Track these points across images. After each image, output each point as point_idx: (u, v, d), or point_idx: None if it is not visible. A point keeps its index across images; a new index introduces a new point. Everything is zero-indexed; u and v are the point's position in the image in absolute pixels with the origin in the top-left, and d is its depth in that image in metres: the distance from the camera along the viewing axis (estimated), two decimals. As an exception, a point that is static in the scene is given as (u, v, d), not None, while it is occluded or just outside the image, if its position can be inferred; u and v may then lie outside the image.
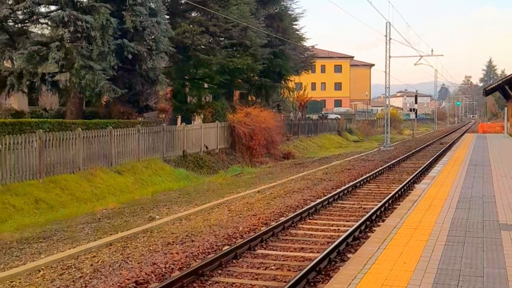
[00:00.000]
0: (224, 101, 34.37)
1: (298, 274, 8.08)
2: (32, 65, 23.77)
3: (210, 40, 32.47)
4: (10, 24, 24.84)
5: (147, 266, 8.94)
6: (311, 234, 11.51)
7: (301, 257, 9.58)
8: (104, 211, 14.73)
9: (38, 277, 8.50)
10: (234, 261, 9.36)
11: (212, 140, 29.04)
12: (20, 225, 12.92)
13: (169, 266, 8.85)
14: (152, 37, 25.96)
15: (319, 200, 14.99)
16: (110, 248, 10.31)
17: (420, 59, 49.38)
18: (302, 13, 51.90)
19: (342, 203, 15.38)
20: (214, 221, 12.81)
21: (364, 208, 14.35)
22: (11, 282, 8.22)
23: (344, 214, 13.80)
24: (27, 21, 25.28)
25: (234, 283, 8.22)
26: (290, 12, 41.08)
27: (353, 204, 15.16)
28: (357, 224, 11.55)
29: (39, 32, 26.63)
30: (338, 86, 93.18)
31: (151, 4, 26.08)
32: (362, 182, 19.23)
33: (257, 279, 8.42)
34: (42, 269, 8.91)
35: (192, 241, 10.77)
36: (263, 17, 36.28)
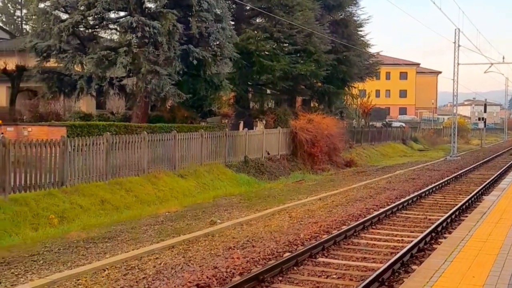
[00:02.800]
0: (286, 107, 34.31)
1: (361, 284, 7.91)
2: (101, 69, 24.46)
3: (274, 46, 32.50)
4: (81, 29, 25.69)
5: (209, 269, 8.97)
6: (374, 244, 11.27)
7: (363, 267, 9.39)
8: (167, 213, 14.93)
9: (103, 276, 8.67)
10: (295, 268, 9.27)
11: (273, 146, 29.02)
12: (86, 225, 13.26)
13: (230, 271, 8.85)
14: (217, 43, 26.24)
15: (382, 210, 14.68)
16: (172, 251, 10.42)
17: (490, 66, 47.76)
18: (368, 19, 51.41)
19: (406, 213, 15.00)
20: (275, 227, 12.75)
21: (430, 219, 13.94)
22: (77, 280, 8.41)
23: (408, 225, 13.44)
24: (97, 26, 26.09)
25: (295, 290, 8.13)
26: (355, 18, 40.70)
27: (418, 215, 14.76)
28: (422, 235, 11.22)
29: (108, 37, 27.46)
30: (403, 94, 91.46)
31: (217, 10, 26.37)
32: (427, 192, 18.72)
33: (318, 287, 8.29)
34: (107, 268, 9.08)
35: (253, 246, 10.74)
36: (328, 23, 36.04)
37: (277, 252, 10.23)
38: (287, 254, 9.94)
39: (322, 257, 10.09)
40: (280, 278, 8.69)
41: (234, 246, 10.76)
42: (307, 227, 12.78)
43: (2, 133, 21.16)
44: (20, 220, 13.31)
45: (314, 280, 8.63)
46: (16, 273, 8.77)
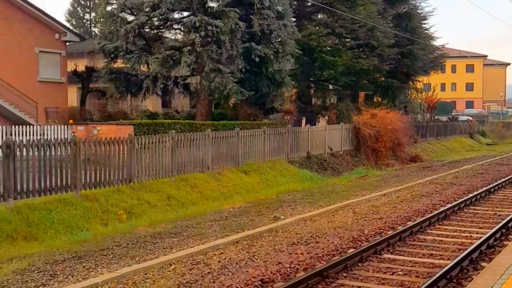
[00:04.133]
0: (349, 103, 33.98)
1: (427, 281, 7.78)
2: (165, 68, 25.01)
3: (335, 42, 32.31)
4: (147, 30, 26.36)
5: (273, 265, 9.04)
6: (441, 240, 11.03)
7: (430, 264, 9.22)
8: (231, 209, 15.11)
9: (169, 271, 8.89)
10: (359, 264, 9.21)
11: (336, 141, 28.83)
12: (153, 220, 13.60)
13: (294, 266, 8.89)
14: (279, 39, 26.31)
15: (449, 205, 14.35)
16: (236, 246, 10.55)
17: None
18: (432, 11, 50.27)
19: (474, 209, 14.60)
20: (338, 223, 12.69)
21: (499, 215, 13.51)
22: (145, 274, 8.66)
23: (477, 221, 13.08)
24: (161, 27, 26.71)
25: (360, 287, 8.08)
26: (419, 11, 39.85)
27: (487, 211, 14.34)
28: (491, 231, 10.90)
29: (173, 37, 28.05)
30: (469, 87, 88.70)
31: (278, 7, 26.44)
32: (496, 187, 18.14)
33: (383, 284, 8.21)
34: (173, 263, 9.30)
35: (317, 242, 10.74)
36: (391, 16, 35.41)
37: (341, 248, 10.19)
38: (351, 250, 9.89)
39: (387, 254, 9.97)
40: (345, 274, 8.66)
41: (297, 242, 10.80)
42: (371, 223, 12.66)
43: (73, 132, 22.02)
44: (90, 215, 13.80)
45: (379, 276, 8.55)
46: (87, 267, 9.11)
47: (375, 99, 38.87)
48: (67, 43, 31.34)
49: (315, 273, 8.26)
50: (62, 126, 24.48)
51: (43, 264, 9.31)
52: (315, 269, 8.54)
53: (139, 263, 9.30)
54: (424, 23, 40.24)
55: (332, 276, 8.42)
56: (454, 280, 8.19)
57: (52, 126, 24.45)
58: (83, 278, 8.39)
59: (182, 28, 26.25)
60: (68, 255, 9.97)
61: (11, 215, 12.37)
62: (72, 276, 8.56)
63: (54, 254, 10.11)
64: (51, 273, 8.75)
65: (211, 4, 25.20)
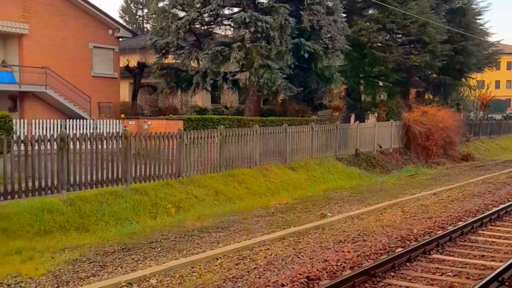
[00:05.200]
0: (399, 100, 33.45)
1: (478, 283, 7.60)
2: (215, 64, 25.21)
3: (386, 37, 31.84)
4: (197, 26, 26.60)
5: (319, 262, 9.00)
6: (493, 242, 10.75)
7: (481, 265, 9.00)
8: (277, 205, 15.13)
9: (216, 265, 8.97)
10: (407, 264, 9.07)
11: (385, 139, 28.44)
12: (201, 214, 13.75)
13: (340, 264, 8.83)
14: (329, 35, 26.11)
15: (502, 206, 13.96)
16: (283, 242, 10.56)
17: None
18: (487, 6, 48.78)
19: (528, 211, 14.15)
20: (386, 222, 12.53)
21: (555, 218, 13.07)
22: (192, 267, 8.76)
23: (531, 223, 12.68)
24: (212, 23, 26.90)
25: (407, 287, 7.96)
26: (473, 6, 38.83)
27: (542, 213, 13.88)
28: (546, 234, 10.56)
29: (222, 33, 28.24)
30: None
31: (329, 2, 26.27)
32: (553, 189, 17.56)
33: (432, 284, 8.06)
34: (219, 257, 9.38)
35: (364, 240, 10.64)
36: (444, 12, 34.65)
37: (389, 247, 10.06)
38: (399, 249, 9.74)
39: (436, 254, 9.79)
40: (392, 274, 8.54)
41: (344, 240, 10.72)
42: (420, 222, 12.45)
43: (125, 127, 22.46)
44: (140, 209, 14.05)
45: (428, 277, 8.40)
46: (136, 259, 9.28)
47: (426, 96, 38.19)
48: (120, 39, 31.99)
49: (362, 271, 8.19)
50: (114, 121, 25.01)
51: (93, 255, 9.55)
52: (362, 267, 8.46)
53: (186, 256, 9.42)
54: (479, 19, 39.21)
55: (379, 275, 8.32)
56: (507, 283, 7.97)
57: (105, 120, 25.02)
58: (132, 270, 8.56)
59: (232, 24, 26.37)
60: (118, 246, 10.19)
61: (64, 206, 12.72)
62: (121, 267, 8.75)
63: (104, 245, 10.36)
64: (101, 264, 8.96)
65: (261, 0, 25.24)
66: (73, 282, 7.97)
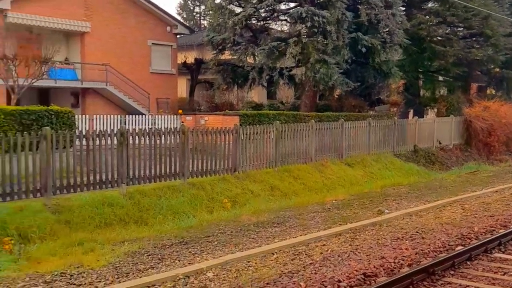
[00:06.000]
0: (460, 95, 32.56)
1: (543, 284, 7.33)
2: (271, 60, 25.23)
3: (447, 31, 31.07)
4: (253, 22, 26.68)
5: (376, 259, 8.88)
6: (559, 242, 10.33)
7: (546, 266, 8.67)
8: (334, 201, 15.01)
9: (271, 260, 8.99)
10: (468, 262, 8.83)
11: (445, 135, 27.75)
12: (257, 209, 13.79)
13: (398, 261, 8.68)
14: (387, 29, 25.72)
15: None
16: (339, 238, 10.48)
17: None
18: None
19: None
20: (446, 219, 12.24)
21: None
22: (248, 262, 8.81)
23: None
24: (268, 18, 26.95)
25: (468, 286, 7.75)
26: (539, -3, 37.32)
27: None
28: None
29: (279, 28, 28.23)
30: None
31: (387, -4, 25.84)
32: None
33: (494, 284, 7.82)
34: (275, 252, 9.39)
35: (422, 238, 10.42)
36: (508, 4, 33.51)
37: (448, 245, 9.82)
38: (459, 247, 9.50)
39: (498, 253, 9.49)
40: (452, 272, 8.34)
41: (402, 237, 10.53)
42: (481, 220, 12.10)
43: (182, 122, 22.79)
44: (197, 203, 14.24)
45: (489, 276, 8.16)
46: (193, 252, 9.41)
47: (488, 91, 37.05)
48: (178, 36, 32.43)
49: (421, 269, 8.03)
50: (172, 116, 25.43)
51: (152, 247, 9.74)
52: (421, 265, 8.30)
53: (242, 251, 9.47)
54: (545, 10, 37.69)
55: (439, 273, 8.14)
56: None
57: (163, 116, 25.48)
58: (189, 263, 8.68)
59: (288, 19, 26.34)
60: (175, 240, 10.36)
61: (123, 200, 13.04)
62: (179, 260, 8.88)
63: (162, 238, 10.55)
64: (159, 256, 9.13)
65: (318, -6, 25.09)
66: (133, 273, 8.15)
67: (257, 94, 32.25)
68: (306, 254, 9.33)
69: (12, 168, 11.66)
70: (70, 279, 7.90)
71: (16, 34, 23.81)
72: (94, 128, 21.81)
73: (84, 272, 8.21)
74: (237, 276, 8.06)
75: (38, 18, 25.47)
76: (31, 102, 21.42)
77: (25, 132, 12.29)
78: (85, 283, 7.71)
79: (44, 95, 26.80)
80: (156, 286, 7.56)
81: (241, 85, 28.58)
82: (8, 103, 22.16)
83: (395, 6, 26.15)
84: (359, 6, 24.97)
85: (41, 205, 11.80)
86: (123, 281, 7.78)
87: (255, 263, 8.76)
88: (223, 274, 8.16)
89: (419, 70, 33.96)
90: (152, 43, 30.39)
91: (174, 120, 24.94)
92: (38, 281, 7.81)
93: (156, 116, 25.63)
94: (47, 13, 25.84)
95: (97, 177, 13.15)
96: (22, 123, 15.27)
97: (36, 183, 12.05)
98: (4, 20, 24.40)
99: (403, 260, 8.75)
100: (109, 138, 13.53)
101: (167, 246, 9.87)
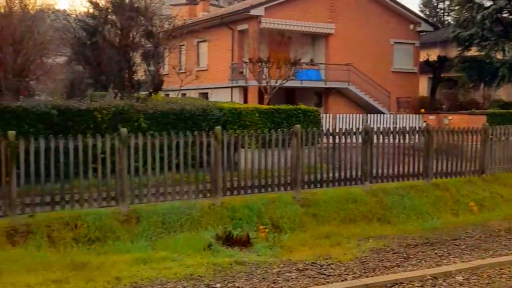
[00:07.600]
0: None
1: None
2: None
3: None
4: (505, 15, 25.01)
5: None
6: None
7: None
8: None
9: (526, 270, 8.43)
10: None
11: None
12: (507, 215, 12.97)
13: None
14: None
15: None
16: None
17: None
18: None
19: None
20: None
21: None
22: (501, 269, 8.38)
23: None
24: (520, 11, 25.00)
25: None
26: None
27: None
28: None
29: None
30: None
31: None
32: None
33: None
34: (531, 262, 8.78)
35: None
36: None
37: None
38: None
39: None
40: None
41: None
42: None
43: (425, 121, 22.36)
44: (441, 204, 13.87)
45: None
46: (439, 254, 9.24)
47: None
48: (421, 33, 31.77)
49: None
50: (413, 115, 25.06)
51: (396, 246, 9.81)
52: None
53: (493, 257, 9.04)
54: None
55: None
56: None
57: (403, 115, 25.24)
58: (436, 265, 8.57)
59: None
60: (420, 240, 10.28)
61: (367, 197, 13.27)
62: (425, 261, 8.81)
63: (406, 237, 10.56)
64: (404, 255, 9.16)
65: None
66: (379, 269, 8.32)
67: (505, 92, 30.09)
68: None
69: (267, 162, 12.67)
70: (320, 269, 8.35)
71: (268, 38, 25.70)
72: (336, 126, 22.51)
73: (332, 264, 8.61)
74: (489, 283, 7.74)
75: (289, 22, 27.14)
76: (278, 102, 22.96)
77: (278, 129, 13.26)
78: (334, 274, 8.08)
79: (290, 95, 28.48)
80: (404, 284, 7.62)
81: (488, 83, 27.01)
82: (259, 102, 24.06)
83: None
84: None
85: (290, 197, 12.61)
86: (371, 276, 7.99)
87: (509, 271, 8.30)
88: (474, 279, 7.89)
89: None
90: (394, 42, 30.27)
91: (415, 119, 24.56)
92: (291, 268, 8.41)
93: (397, 115, 25.49)
94: (296, 17, 27.40)
95: (342, 174, 13.59)
96: (274, 121, 16.53)
97: (286, 177, 12.91)
98: (258, 25, 26.51)
99: None
100: (354, 136, 13.89)
101: (411, 246, 9.85)
